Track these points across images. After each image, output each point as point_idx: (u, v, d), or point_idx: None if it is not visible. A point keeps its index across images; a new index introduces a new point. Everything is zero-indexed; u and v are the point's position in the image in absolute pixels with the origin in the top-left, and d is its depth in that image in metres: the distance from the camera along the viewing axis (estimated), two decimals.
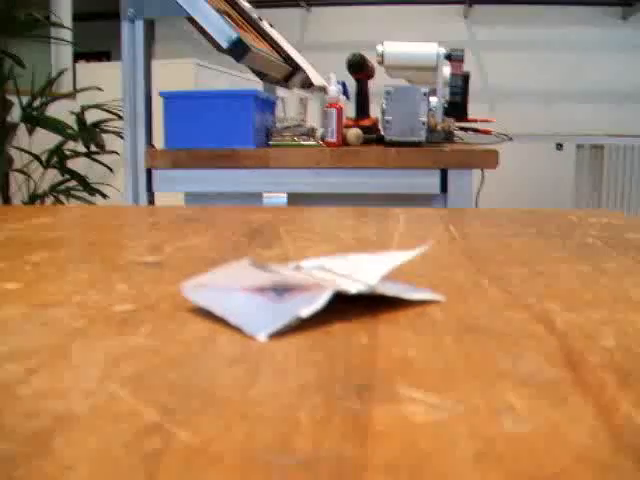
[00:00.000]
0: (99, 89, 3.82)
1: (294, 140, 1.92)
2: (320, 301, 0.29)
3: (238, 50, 1.67)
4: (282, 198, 1.76)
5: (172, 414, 0.20)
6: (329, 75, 2.00)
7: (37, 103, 3.58)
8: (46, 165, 3.68)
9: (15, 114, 3.55)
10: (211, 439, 0.18)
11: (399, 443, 0.18)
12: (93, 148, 3.77)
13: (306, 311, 0.28)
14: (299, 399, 0.21)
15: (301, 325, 0.28)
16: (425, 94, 1.76)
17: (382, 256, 0.36)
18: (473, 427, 0.19)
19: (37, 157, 3.67)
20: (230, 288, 0.32)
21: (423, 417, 0.20)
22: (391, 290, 0.32)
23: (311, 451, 0.18)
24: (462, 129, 2.31)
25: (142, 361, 0.25)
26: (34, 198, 3.62)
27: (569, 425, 0.19)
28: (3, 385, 0.23)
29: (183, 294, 0.32)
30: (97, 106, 3.79)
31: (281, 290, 0.31)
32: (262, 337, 0.27)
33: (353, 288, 0.31)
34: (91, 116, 3.80)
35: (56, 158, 3.68)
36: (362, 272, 0.33)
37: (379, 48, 2.07)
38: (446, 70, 2.01)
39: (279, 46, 2.25)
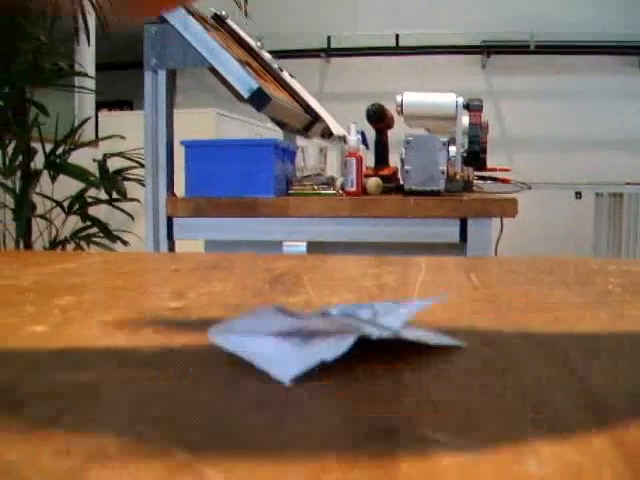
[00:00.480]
0: (121, 137, 3.88)
1: (314, 189, 1.94)
2: (344, 346, 0.29)
3: (259, 100, 1.69)
4: (302, 247, 1.77)
5: (201, 454, 0.20)
6: (349, 125, 2.03)
7: (60, 150, 3.63)
8: (68, 212, 3.72)
9: (39, 161, 3.60)
10: (240, 479, 0.19)
11: None
12: (115, 195, 3.81)
13: (331, 355, 0.29)
14: (326, 441, 0.22)
15: (326, 369, 0.29)
16: (444, 143, 1.77)
17: (405, 303, 0.37)
18: (498, 469, 0.19)
19: (59, 203, 3.71)
20: (256, 332, 0.33)
21: (449, 459, 0.20)
22: (413, 335, 0.33)
23: None
24: (481, 178, 2.32)
25: (170, 403, 0.25)
26: (55, 244, 3.65)
27: (593, 468, 0.19)
28: (35, 424, 0.23)
29: (209, 338, 0.33)
30: (119, 154, 3.84)
31: (306, 335, 0.31)
32: (287, 381, 0.27)
33: (376, 333, 0.31)
34: (113, 164, 3.85)
35: (78, 205, 3.72)
36: (385, 318, 0.34)
37: (398, 98, 2.09)
38: (465, 120, 2.03)
39: (299, 96, 2.28)
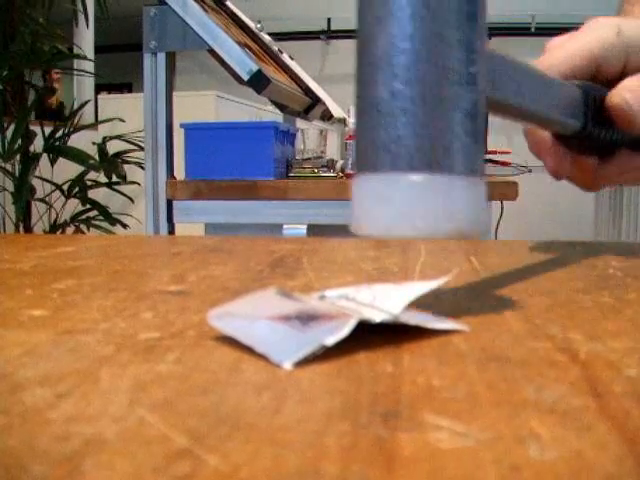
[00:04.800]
0: (121, 120, 3.87)
1: (314, 172, 1.94)
2: (345, 330, 0.29)
3: (258, 82, 1.68)
4: (302, 229, 1.77)
5: (201, 439, 0.20)
6: (349, 107, 2.02)
7: (59, 134, 3.62)
8: (67, 195, 3.72)
9: (38, 144, 3.59)
10: (240, 464, 0.19)
11: (425, 469, 0.18)
12: (114, 178, 3.80)
13: (331, 339, 0.29)
14: (326, 426, 0.22)
15: (326, 354, 0.29)
16: None
17: (405, 286, 0.37)
18: (499, 454, 0.19)
19: (59, 187, 3.71)
20: (256, 316, 0.32)
21: (449, 444, 0.20)
22: (414, 319, 0.33)
23: (339, 476, 0.18)
24: None
25: (170, 388, 0.25)
26: (55, 227, 3.65)
27: (594, 453, 0.19)
28: (34, 409, 0.23)
29: (209, 322, 0.32)
30: (118, 137, 3.84)
31: (306, 319, 0.31)
32: (287, 365, 0.27)
33: (377, 317, 0.31)
34: (113, 147, 3.84)
35: (77, 188, 3.72)
36: (385, 301, 0.34)
37: None
38: None
39: (299, 78, 2.27)
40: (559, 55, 0.53)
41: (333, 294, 0.36)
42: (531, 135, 0.55)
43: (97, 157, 3.75)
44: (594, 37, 0.53)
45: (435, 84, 0.33)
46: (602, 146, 0.54)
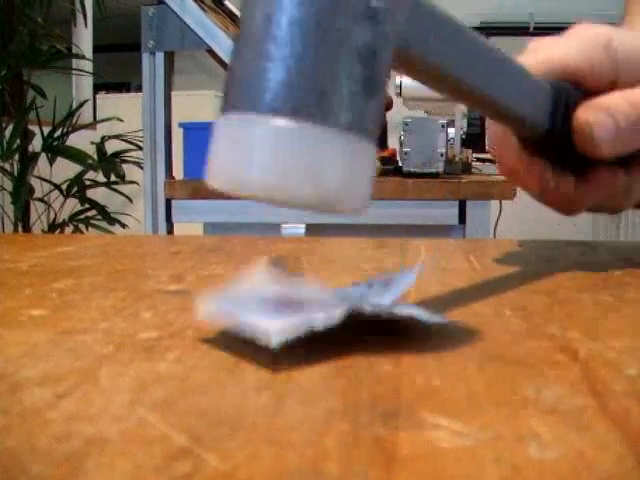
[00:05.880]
0: (119, 120, 3.86)
1: None
2: (335, 317, 0.28)
3: None
4: (300, 229, 1.77)
5: (201, 439, 0.20)
6: None
7: (58, 133, 3.62)
8: (66, 194, 3.72)
9: (37, 144, 3.59)
10: (240, 464, 0.19)
11: (425, 468, 0.18)
12: (113, 178, 3.80)
13: (320, 323, 0.28)
14: (325, 425, 0.22)
15: (325, 354, 0.29)
16: (443, 126, 1.77)
17: (395, 277, 0.36)
18: (499, 453, 0.19)
19: (57, 186, 3.71)
20: (243, 300, 0.32)
21: (448, 443, 0.20)
22: (406, 312, 0.32)
23: (339, 476, 0.18)
24: (480, 160, 2.32)
25: (170, 387, 0.25)
26: (54, 227, 3.65)
27: (595, 452, 0.19)
28: (33, 409, 0.23)
29: (196, 308, 0.32)
30: (117, 136, 3.83)
31: (296, 305, 0.30)
32: (274, 344, 0.27)
33: (369, 309, 0.30)
34: (111, 146, 3.84)
35: (76, 188, 3.71)
36: (375, 297, 0.33)
37: (397, 80, 2.08)
38: None
39: None
40: (537, 58, 0.46)
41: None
42: (492, 129, 0.49)
43: (96, 157, 3.75)
44: (579, 47, 0.46)
45: (324, 11, 0.27)
46: (575, 162, 0.46)
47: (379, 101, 0.29)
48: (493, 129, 0.48)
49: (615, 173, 0.47)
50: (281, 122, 0.27)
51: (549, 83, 0.43)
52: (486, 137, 0.49)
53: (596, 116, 0.43)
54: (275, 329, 0.27)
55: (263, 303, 0.31)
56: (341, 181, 0.29)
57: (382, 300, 0.33)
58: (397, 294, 0.34)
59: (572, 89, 0.45)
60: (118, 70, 6.70)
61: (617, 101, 0.43)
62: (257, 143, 0.27)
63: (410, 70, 0.34)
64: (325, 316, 0.28)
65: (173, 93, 1.86)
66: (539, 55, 0.46)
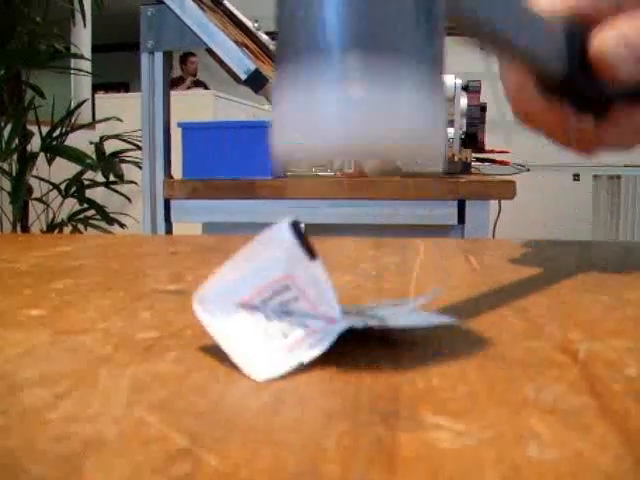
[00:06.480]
0: (118, 119, 3.86)
1: (312, 171, 1.93)
2: (324, 346, 0.28)
3: (256, 81, 1.68)
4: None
5: (200, 440, 0.20)
6: None
7: (57, 133, 3.62)
8: (65, 194, 3.71)
9: (35, 144, 3.59)
10: (240, 464, 0.19)
11: (426, 468, 0.18)
12: (112, 178, 3.80)
13: (309, 357, 0.28)
14: (325, 425, 0.22)
15: (325, 354, 0.29)
16: None
17: (400, 305, 0.35)
18: (498, 453, 0.19)
19: (56, 186, 3.70)
20: (238, 303, 0.31)
21: (449, 443, 0.20)
22: (403, 321, 0.31)
23: (339, 476, 0.18)
24: (479, 160, 2.32)
25: (169, 388, 0.25)
26: (52, 227, 3.65)
27: (594, 452, 0.19)
28: (33, 409, 0.23)
29: (193, 307, 0.32)
30: (116, 136, 3.83)
31: (287, 323, 0.30)
32: (260, 379, 0.26)
33: (361, 323, 0.29)
34: (110, 146, 3.84)
35: (75, 187, 3.71)
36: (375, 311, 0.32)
37: None
38: (463, 101, 2.02)
39: None
40: (539, 3, 0.44)
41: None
42: (508, 75, 0.48)
43: (94, 156, 3.75)
44: None
45: None
46: (594, 100, 0.46)
47: (441, 33, 0.28)
48: (509, 75, 0.48)
49: (633, 110, 0.47)
50: (352, 63, 0.25)
51: (559, 20, 0.43)
52: (502, 84, 0.48)
53: (610, 38, 0.42)
54: (263, 368, 0.27)
55: (256, 327, 0.30)
56: (418, 114, 0.27)
57: (380, 312, 0.32)
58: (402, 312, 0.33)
59: (582, 24, 0.44)
60: (117, 70, 6.70)
61: (630, 22, 0.43)
62: (329, 92, 0.26)
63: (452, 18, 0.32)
64: (315, 351, 0.28)
65: (172, 93, 1.86)
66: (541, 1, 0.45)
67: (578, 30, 0.43)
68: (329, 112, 0.26)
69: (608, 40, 0.43)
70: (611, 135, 0.48)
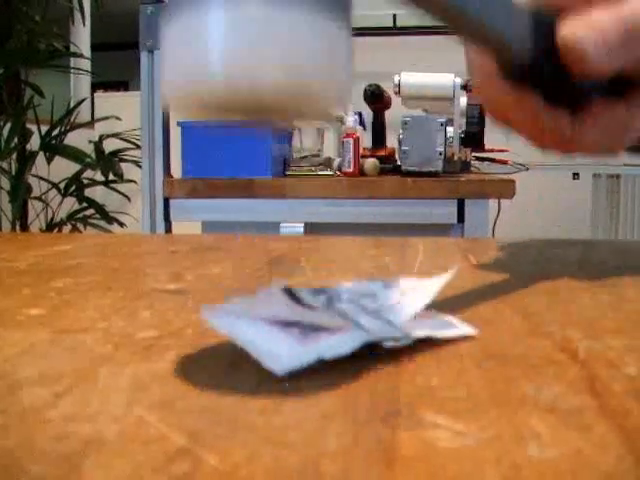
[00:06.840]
0: (117, 118, 3.86)
1: (311, 170, 1.93)
2: (346, 347, 0.28)
3: None
4: (299, 228, 1.77)
5: (200, 439, 0.20)
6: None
7: (56, 132, 3.62)
8: (64, 193, 3.71)
9: (34, 143, 3.59)
10: (239, 463, 0.19)
11: (426, 468, 0.18)
12: (111, 177, 3.80)
13: (330, 354, 0.27)
14: (325, 425, 0.22)
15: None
16: (442, 124, 1.77)
17: (413, 285, 0.35)
18: (498, 453, 0.19)
19: (55, 185, 3.70)
20: (254, 316, 0.31)
21: (449, 443, 0.20)
22: (424, 332, 0.31)
23: (340, 476, 0.18)
24: (479, 159, 2.32)
25: (168, 387, 0.25)
26: (52, 226, 3.65)
27: (594, 451, 0.19)
28: (32, 408, 0.23)
29: (202, 317, 0.32)
30: (115, 135, 3.83)
31: (306, 329, 0.30)
32: (281, 373, 0.26)
33: (388, 342, 0.29)
34: (109, 145, 3.83)
35: (74, 186, 3.71)
36: (391, 313, 0.32)
37: (396, 78, 2.08)
38: (463, 100, 2.02)
39: None
40: None
41: (342, 292, 0.34)
42: (472, 58, 0.45)
43: (94, 155, 3.74)
44: None
45: None
46: (567, 93, 0.43)
47: None
48: (473, 58, 0.45)
49: (613, 106, 0.44)
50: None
51: (529, 6, 0.41)
52: (468, 71, 0.45)
53: (580, 22, 0.40)
54: (282, 360, 0.27)
55: (273, 323, 0.30)
56: (314, 59, 0.25)
57: (396, 318, 0.31)
58: (418, 309, 0.32)
59: (551, 11, 0.41)
60: (116, 69, 6.69)
61: (601, 11, 0.41)
62: (215, 26, 0.24)
63: None
64: (336, 349, 0.28)
65: None
66: None
67: (548, 16, 0.41)
68: (215, 39, 0.24)
69: (577, 24, 0.40)
70: (589, 134, 0.44)
